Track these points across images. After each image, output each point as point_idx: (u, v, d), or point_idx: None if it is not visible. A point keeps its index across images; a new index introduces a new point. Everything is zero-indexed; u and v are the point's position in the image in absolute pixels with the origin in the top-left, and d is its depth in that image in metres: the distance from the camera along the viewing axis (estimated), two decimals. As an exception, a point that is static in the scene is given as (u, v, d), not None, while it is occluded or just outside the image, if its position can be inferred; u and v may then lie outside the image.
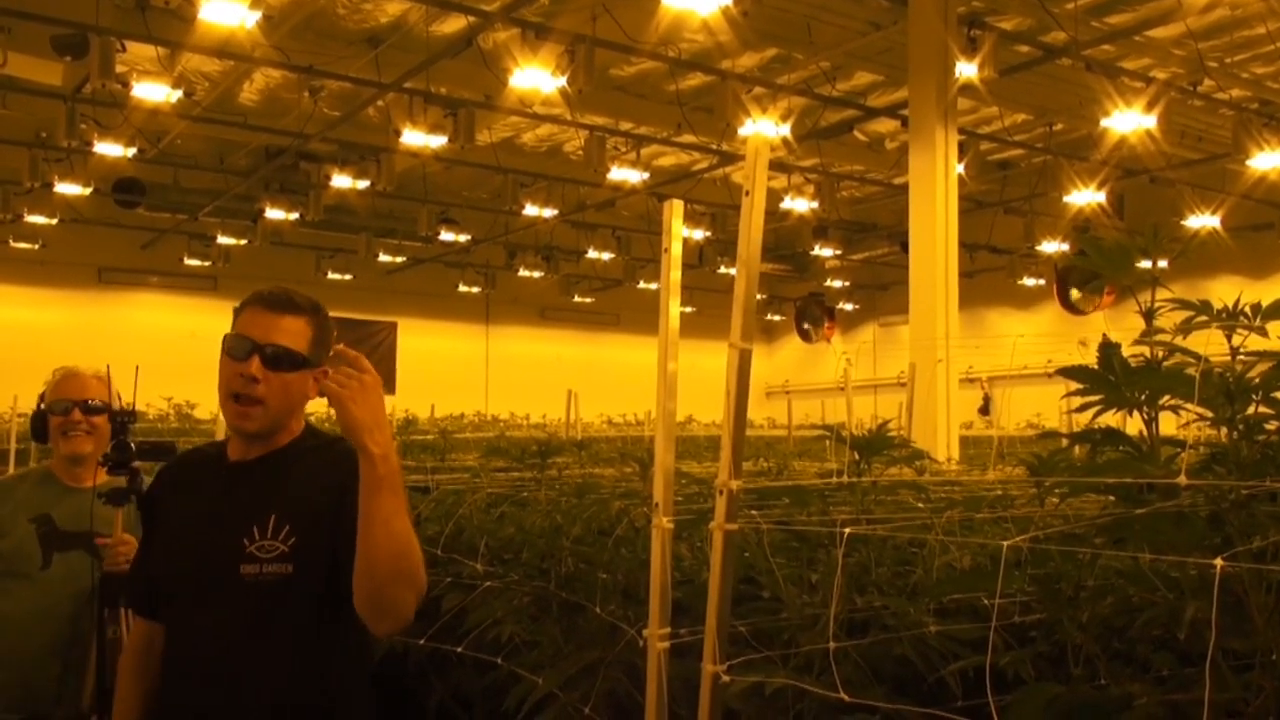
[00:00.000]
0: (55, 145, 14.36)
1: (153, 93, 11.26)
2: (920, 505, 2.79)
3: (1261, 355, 1.59)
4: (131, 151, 13.80)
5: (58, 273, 20.17)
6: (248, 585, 2.13)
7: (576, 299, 24.63)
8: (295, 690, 2.15)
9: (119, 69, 10.48)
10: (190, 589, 2.22)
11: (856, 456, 2.44)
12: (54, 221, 17.93)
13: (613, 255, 20.82)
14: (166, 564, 2.29)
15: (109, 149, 13.54)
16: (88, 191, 15.75)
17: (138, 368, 3.24)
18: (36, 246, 19.28)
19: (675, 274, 2.06)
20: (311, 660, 2.17)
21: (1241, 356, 1.61)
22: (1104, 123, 11.92)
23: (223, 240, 19.39)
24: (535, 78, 10.48)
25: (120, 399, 3.33)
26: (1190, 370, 1.56)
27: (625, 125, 14.99)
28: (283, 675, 2.15)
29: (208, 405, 10.29)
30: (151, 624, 2.35)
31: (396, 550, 1.99)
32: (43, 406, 3.34)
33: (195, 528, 2.25)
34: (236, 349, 2.21)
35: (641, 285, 22.33)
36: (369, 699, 2.32)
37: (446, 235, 19.08)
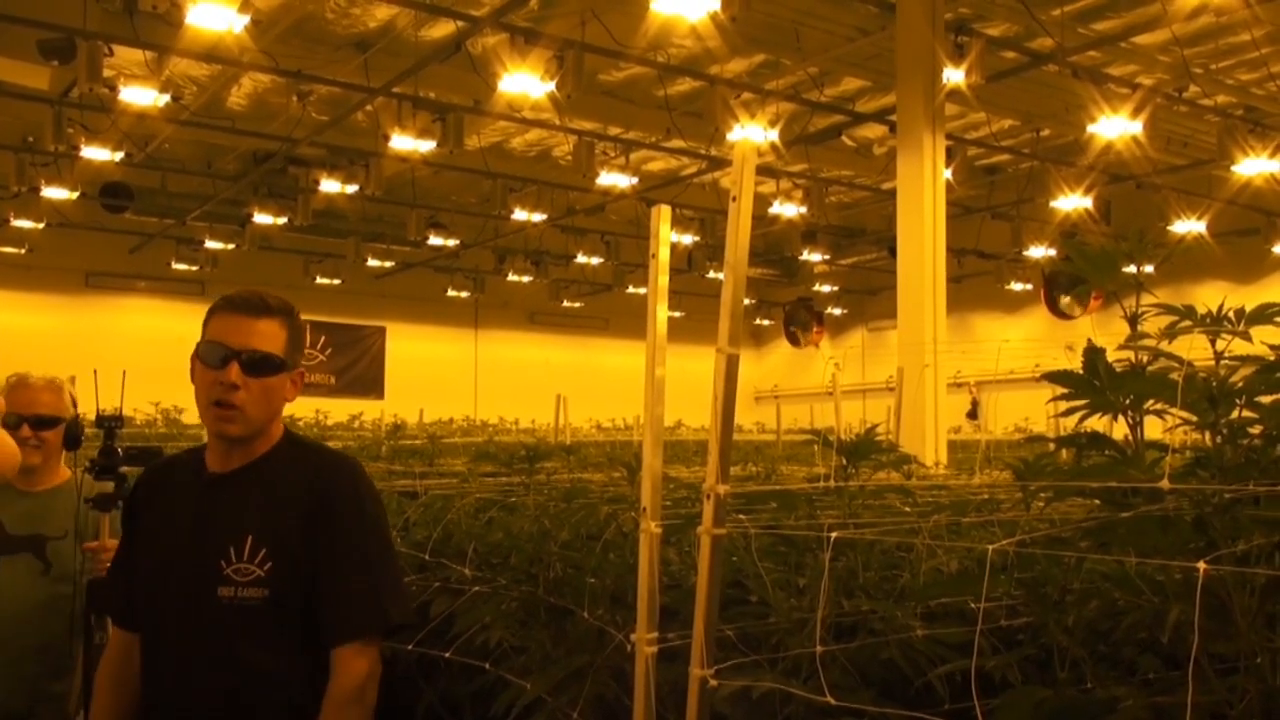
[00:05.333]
0: (42, 149, 14.32)
1: (140, 97, 11.22)
2: (907, 509, 2.80)
3: (1245, 360, 1.60)
4: (119, 156, 13.75)
5: (45, 277, 20.09)
6: (224, 607, 2.09)
7: (565, 304, 24.62)
8: (275, 714, 2.12)
9: (106, 73, 10.44)
10: (167, 607, 2.17)
11: (844, 461, 2.45)
12: (41, 226, 17.87)
13: (602, 260, 20.83)
14: (143, 581, 2.24)
15: (96, 153, 13.49)
16: (75, 196, 15.70)
17: (124, 372, 3.23)
18: (23, 251, 19.21)
19: (663, 279, 2.06)
20: (285, 685, 2.13)
21: (1225, 361, 1.62)
22: (1090, 128, 11.98)
23: (211, 245, 19.34)
24: (524, 83, 10.48)
25: (77, 405, 3.32)
26: (1174, 375, 1.57)
27: (614, 130, 15.01)
28: (259, 699, 2.11)
29: (195, 410, 10.17)
30: (130, 635, 2.30)
31: None
32: None
33: (172, 545, 2.20)
34: (212, 357, 2.16)
35: (630, 290, 22.34)
36: None
37: (435, 240, 19.06)
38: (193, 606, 2.12)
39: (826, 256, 20.77)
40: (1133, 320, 1.71)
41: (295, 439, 2.34)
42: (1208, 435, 1.59)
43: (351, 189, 15.46)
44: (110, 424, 3.09)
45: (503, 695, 2.53)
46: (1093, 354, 1.66)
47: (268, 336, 2.19)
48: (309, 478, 2.21)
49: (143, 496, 2.37)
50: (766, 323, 27.71)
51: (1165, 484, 1.49)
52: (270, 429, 2.26)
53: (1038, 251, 18.40)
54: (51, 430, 3.20)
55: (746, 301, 2.03)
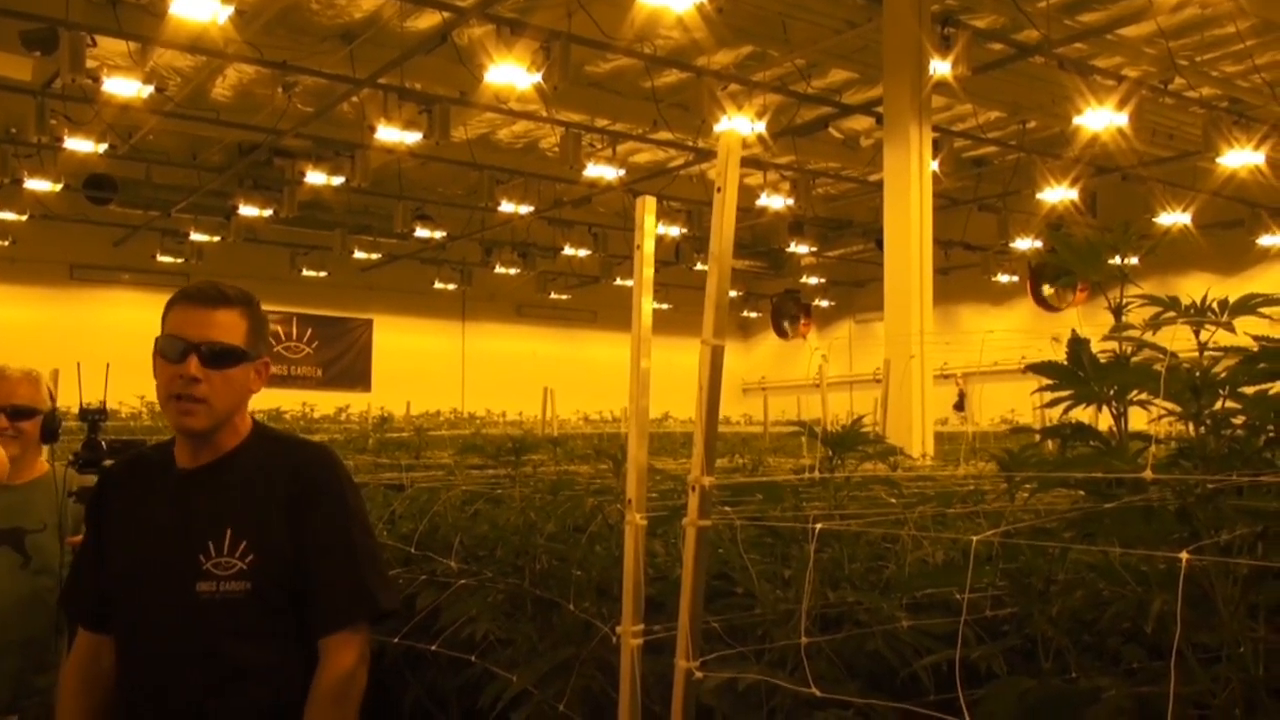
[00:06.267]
0: (25, 141, 14.23)
1: (124, 88, 11.16)
2: (893, 501, 2.80)
3: (1229, 351, 1.60)
4: (103, 147, 13.68)
5: (28, 270, 19.96)
6: (204, 603, 2.07)
7: (553, 296, 24.60)
8: (258, 708, 2.11)
9: (90, 64, 10.37)
10: (145, 604, 2.14)
11: (830, 453, 2.45)
12: (24, 218, 17.76)
13: (589, 252, 20.79)
14: (116, 580, 2.20)
15: (80, 145, 13.41)
16: (58, 188, 15.60)
17: (109, 366, 3.22)
18: (7, 243, 19.09)
19: (648, 271, 2.05)
20: (269, 678, 2.12)
21: (1209, 352, 1.62)
22: (1076, 120, 12.00)
23: (196, 237, 19.25)
24: (511, 74, 10.45)
25: (54, 399, 3.30)
26: (1158, 366, 1.57)
27: (601, 122, 14.98)
28: (241, 693, 2.10)
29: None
30: (98, 636, 2.25)
31: None
32: None
33: (147, 542, 2.17)
34: (170, 350, 2.13)
35: (618, 282, 22.31)
36: None
37: (422, 232, 19.00)
38: (172, 602, 2.10)
39: (814, 248, 20.77)
40: (1117, 311, 1.72)
41: (265, 431, 2.31)
42: (1191, 426, 1.60)
43: (337, 181, 15.40)
44: (94, 417, 3.07)
45: (489, 688, 2.53)
46: (1077, 345, 1.66)
47: (226, 327, 2.15)
48: (288, 469, 2.19)
49: (109, 495, 2.32)
50: (754, 315, 27.72)
51: (1149, 474, 1.49)
52: (237, 422, 2.22)
53: (1024, 243, 18.45)
54: (28, 421, 3.19)
55: (734, 294, 2.03)
